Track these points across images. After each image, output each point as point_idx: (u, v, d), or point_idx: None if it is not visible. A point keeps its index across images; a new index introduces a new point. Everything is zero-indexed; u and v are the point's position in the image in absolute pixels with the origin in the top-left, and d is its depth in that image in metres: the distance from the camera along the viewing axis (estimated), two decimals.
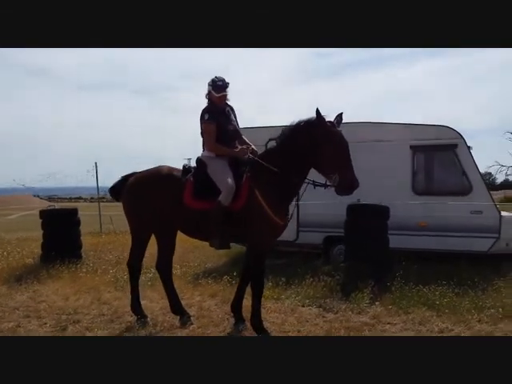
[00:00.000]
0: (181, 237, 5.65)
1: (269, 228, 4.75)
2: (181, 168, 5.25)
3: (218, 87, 4.91)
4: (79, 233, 9.13)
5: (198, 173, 5.01)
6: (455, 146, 8.01)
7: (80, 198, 58.42)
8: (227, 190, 4.71)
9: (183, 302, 6.36)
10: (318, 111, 4.50)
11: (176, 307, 5.54)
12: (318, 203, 8.47)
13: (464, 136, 8.05)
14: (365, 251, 6.94)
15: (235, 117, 5.20)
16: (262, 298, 6.36)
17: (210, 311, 5.98)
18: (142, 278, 7.46)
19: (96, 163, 15.87)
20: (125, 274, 7.39)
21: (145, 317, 5.48)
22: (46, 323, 5.62)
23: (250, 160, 4.86)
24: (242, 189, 4.77)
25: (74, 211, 9.08)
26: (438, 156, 8.38)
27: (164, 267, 5.59)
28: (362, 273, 6.72)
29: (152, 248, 5.85)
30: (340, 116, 4.67)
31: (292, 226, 9.08)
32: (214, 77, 4.95)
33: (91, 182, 15.85)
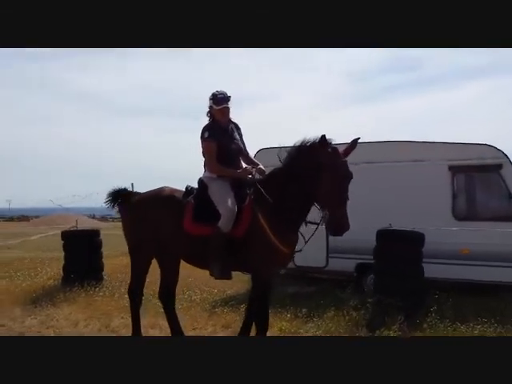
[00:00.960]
0: None
1: (273, 256, 4.27)
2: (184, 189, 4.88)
3: (219, 100, 4.52)
4: (101, 254, 8.92)
5: (199, 195, 4.62)
6: (500, 166, 7.24)
7: None
8: (227, 214, 4.29)
9: (193, 333, 5.97)
10: (323, 137, 3.98)
11: None
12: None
13: (510, 155, 7.29)
14: (395, 282, 6.28)
15: (240, 135, 4.78)
16: (279, 332, 5.89)
17: None
18: (158, 304, 7.19)
19: (132, 184, 15.94)
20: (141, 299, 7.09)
21: None
22: None
23: (253, 182, 4.43)
24: (244, 213, 4.33)
25: (96, 232, 8.89)
26: (481, 177, 7.62)
27: (165, 297, 5.20)
28: (391, 306, 6.06)
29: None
30: (353, 143, 4.13)
31: (321, 251, 8.54)
32: (214, 91, 4.57)
33: None
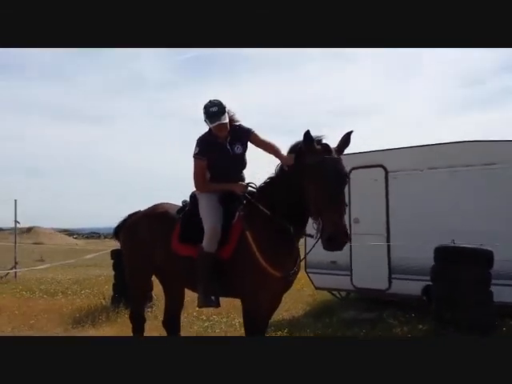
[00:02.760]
0: None
1: (263, 282, 3.59)
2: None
3: (213, 115, 3.78)
4: None
5: (190, 211, 4.07)
6: None
7: None
8: (210, 232, 3.71)
9: None
10: (306, 133, 3.28)
11: None
12: (413, 244, 6.91)
13: None
14: (455, 309, 5.20)
15: (241, 140, 3.95)
16: None
17: None
18: (195, 328, 6.76)
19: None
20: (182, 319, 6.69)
21: None
22: None
23: (244, 196, 3.81)
24: (232, 231, 3.70)
25: None
26: None
27: (168, 324, 4.69)
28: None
29: None
30: (346, 138, 3.37)
31: (383, 272, 7.56)
32: (207, 101, 3.85)
33: None
